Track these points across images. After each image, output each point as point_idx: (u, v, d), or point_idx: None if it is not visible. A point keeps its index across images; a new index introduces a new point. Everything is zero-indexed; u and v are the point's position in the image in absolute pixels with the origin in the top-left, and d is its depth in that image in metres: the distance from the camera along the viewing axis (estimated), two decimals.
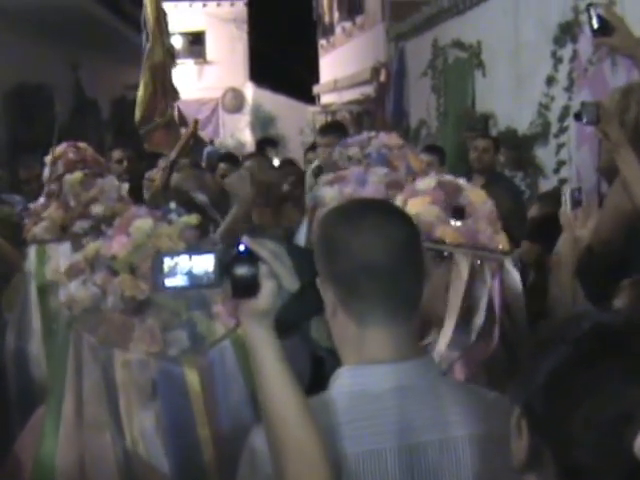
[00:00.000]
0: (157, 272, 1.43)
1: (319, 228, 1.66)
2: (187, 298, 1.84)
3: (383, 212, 1.65)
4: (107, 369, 1.84)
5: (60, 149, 4.90)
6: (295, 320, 1.82)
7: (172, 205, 2.14)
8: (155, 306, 1.84)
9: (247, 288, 1.44)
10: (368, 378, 1.56)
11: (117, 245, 1.90)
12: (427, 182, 2.28)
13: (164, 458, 1.83)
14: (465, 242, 2.15)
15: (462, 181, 2.31)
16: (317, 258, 1.61)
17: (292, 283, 1.46)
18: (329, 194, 2.85)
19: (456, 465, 1.56)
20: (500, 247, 2.20)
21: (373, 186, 2.83)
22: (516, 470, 1.24)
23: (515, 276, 2.30)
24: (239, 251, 1.44)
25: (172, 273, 1.43)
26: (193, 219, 1.99)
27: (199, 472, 1.86)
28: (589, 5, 2.59)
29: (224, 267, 1.43)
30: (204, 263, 1.43)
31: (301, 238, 3.17)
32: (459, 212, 2.20)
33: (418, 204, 2.19)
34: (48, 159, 4.82)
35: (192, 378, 1.83)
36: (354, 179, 2.88)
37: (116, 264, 1.87)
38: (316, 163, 4.88)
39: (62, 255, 2.86)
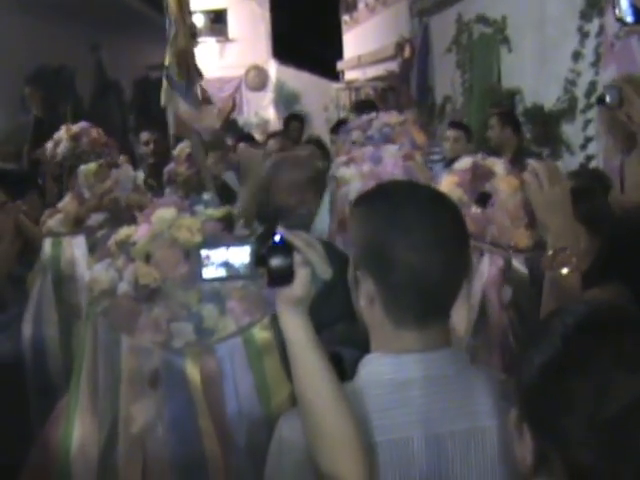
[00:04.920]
0: (195, 264, 1.50)
1: (361, 219, 1.63)
2: (200, 291, 1.83)
3: (432, 206, 1.60)
4: (114, 353, 1.85)
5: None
6: (322, 322, 1.82)
7: (206, 196, 2.11)
8: (165, 296, 1.83)
9: (283, 277, 1.48)
10: (397, 367, 1.56)
11: (139, 232, 1.91)
12: (464, 162, 2.23)
13: (164, 447, 1.84)
14: (472, 231, 2.07)
15: (500, 166, 2.24)
16: (357, 248, 1.60)
17: (325, 271, 1.49)
18: (348, 173, 2.84)
19: (483, 455, 1.55)
20: (512, 243, 2.14)
21: (391, 160, 2.82)
22: (524, 475, 1.23)
23: (523, 274, 2.23)
24: (274, 241, 1.48)
25: (209, 265, 1.48)
26: (218, 212, 1.96)
27: (200, 462, 1.86)
28: None
29: (260, 258, 1.47)
30: (241, 255, 1.48)
31: (324, 219, 3.13)
32: (483, 199, 2.13)
33: (446, 184, 2.16)
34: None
35: (193, 371, 1.83)
36: (369, 158, 2.87)
37: (133, 251, 1.87)
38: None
39: (76, 248, 2.86)
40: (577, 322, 1.18)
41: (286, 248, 1.47)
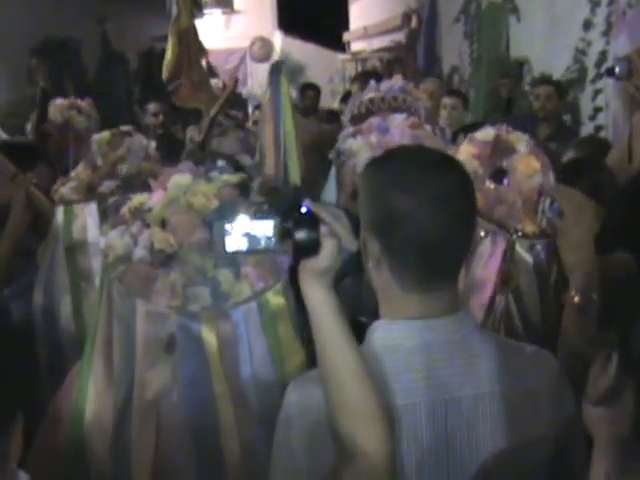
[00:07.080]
0: (218, 237, 1.48)
1: (369, 180, 1.63)
2: (215, 256, 1.83)
3: (440, 167, 1.59)
4: (130, 319, 1.84)
5: None
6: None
7: (220, 163, 2.10)
8: (181, 261, 1.83)
9: (309, 249, 1.49)
10: (403, 333, 1.57)
11: (154, 198, 1.91)
12: (486, 134, 2.19)
13: (178, 412, 1.84)
14: (480, 207, 2.07)
15: (523, 144, 2.20)
16: (364, 211, 1.61)
17: (352, 243, 1.49)
18: (355, 144, 2.81)
19: (490, 421, 1.57)
20: (519, 227, 2.12)
21: (398, 130, 2.79)
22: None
23: (527, 260, 2.22)
24: (301, 213, 1.48)
25: (233, 237, 1.48)
26: (233, 178, 1.96)
27: (214, 427, 1.86)
28: None
29: (285, 231, 1.48)
30: (264, 227, 1.48)
31: (331, 192, 3.10)
32: (498, 176, 2.11)
33: (464, 153, 2.12)
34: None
35: (209, 336, 1.82)
36: (375, 128, 2.84)
37: (149, 217, 1.87)
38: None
39: (89, 215, 2.87)
40: None
41: (312, 220, 1.48)
